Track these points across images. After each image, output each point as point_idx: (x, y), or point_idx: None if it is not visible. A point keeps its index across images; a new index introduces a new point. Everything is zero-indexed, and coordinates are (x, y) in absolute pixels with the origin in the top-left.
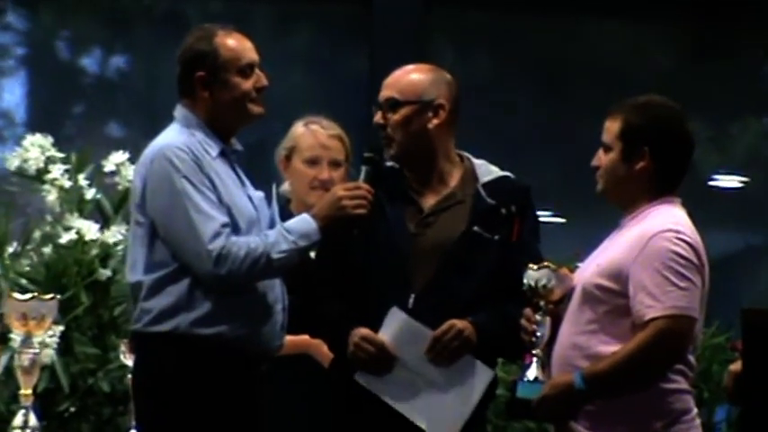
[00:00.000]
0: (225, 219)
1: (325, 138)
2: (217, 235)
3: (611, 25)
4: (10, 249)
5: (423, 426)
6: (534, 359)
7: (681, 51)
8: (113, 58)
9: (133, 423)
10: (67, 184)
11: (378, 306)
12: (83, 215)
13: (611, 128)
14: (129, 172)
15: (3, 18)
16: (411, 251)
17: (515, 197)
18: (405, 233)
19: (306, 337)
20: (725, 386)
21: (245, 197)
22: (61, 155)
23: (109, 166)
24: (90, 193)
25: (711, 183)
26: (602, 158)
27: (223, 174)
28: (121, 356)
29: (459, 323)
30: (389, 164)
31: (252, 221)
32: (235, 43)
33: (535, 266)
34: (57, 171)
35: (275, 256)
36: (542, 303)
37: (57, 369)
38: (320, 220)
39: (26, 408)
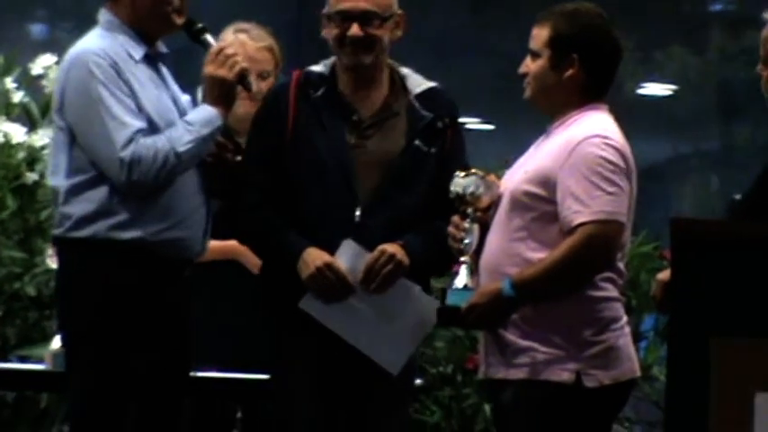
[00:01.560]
0: (140, 124)
1: (254, 50)
2: (129, 141)
3: None
4: None
5: (368, 353)
6: (463, 267)
7: None
8: None
9: None
10: None
11: (322, 217)
12: (10, 118)
13: (540, 35)
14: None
15: None
16: (352, 163)
17: (447, 109)
18: (344, 144)
19: (234, 242)
20: (653, 295)
21: (169, 101)
22: None
23: (36, 69)
24: (17, 96)
25: (640, 91)
26: (529, 65)
27: (144, 78)
28: (48, 261)
29: (390, 247)
30: (318, 70)
31: (173, 125)
32: None
33: (462, 174)
34: None
35: (181, 149)
36: (470, 210)
37: None
38: (214, 104)
39: None
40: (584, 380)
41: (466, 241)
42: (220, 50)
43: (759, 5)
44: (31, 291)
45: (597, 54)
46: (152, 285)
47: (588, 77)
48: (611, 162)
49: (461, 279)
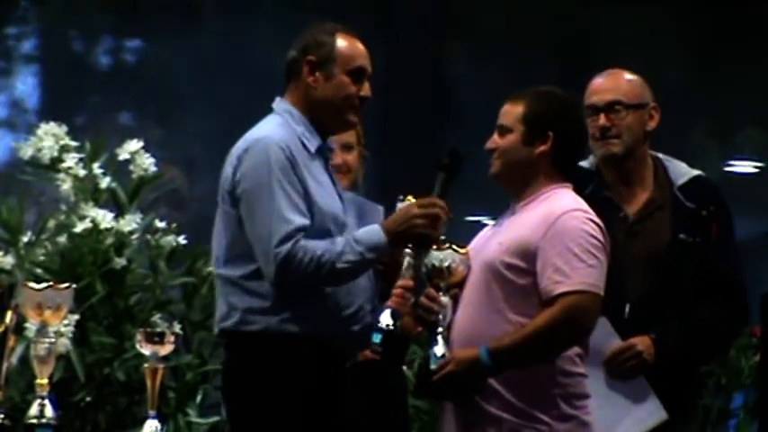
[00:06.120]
0: (303, 222)
1: None
2: (287, 238)
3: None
4: (24, 239)
5: None
6: (440, 337)
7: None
8: (125, 46)
9: (151, 413)
10: (82, 172)
11: None
12: (97, 204)
13: (513, 111)
14: (144, 160)
15: (15, 9)
16: (622, 260)
17: (710, 197)
18: (614, 243)
19: None
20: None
21: (337, 197)
22: (75, 143)
23: (123, 154)
24: (104, 182)
25: (727, 168)
26: (497, 141)
27: (317, 173)
28: (137, 345)
29: (640, 343)
30: (585, 166)
31: (341, 223)
32: (353, 44)
33: (437, 247)
34: (71, 160)
35: (340, 265)
36: (443, 285)
37: (72, 358)
38: (390, 234)
39: (42, 397)
40: None
41: (440, 316)
42: (440, 206)
43: None
44: (120, 376)
45: (570, 133)
46: (323, 378)
47: (559, 156)
48: (592, 236)
49: (440, 348)
